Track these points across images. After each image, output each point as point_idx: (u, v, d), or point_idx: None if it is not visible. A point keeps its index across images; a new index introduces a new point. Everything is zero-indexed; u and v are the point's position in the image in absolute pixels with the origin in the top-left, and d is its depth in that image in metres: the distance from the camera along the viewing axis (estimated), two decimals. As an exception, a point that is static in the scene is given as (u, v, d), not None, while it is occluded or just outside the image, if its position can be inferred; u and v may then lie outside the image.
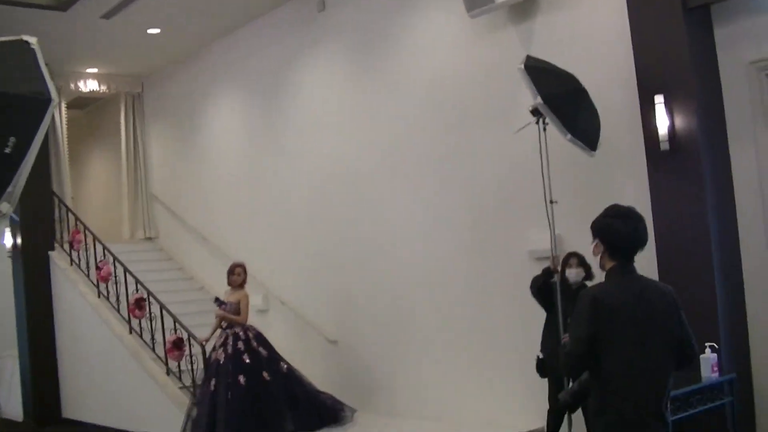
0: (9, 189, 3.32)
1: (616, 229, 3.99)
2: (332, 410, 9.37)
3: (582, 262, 6.97)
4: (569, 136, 6.61)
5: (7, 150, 3.30)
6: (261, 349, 9.37)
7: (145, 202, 13.74)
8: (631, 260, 4.02)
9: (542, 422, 8.06)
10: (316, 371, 10.10)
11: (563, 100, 6.72)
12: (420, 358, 9.31)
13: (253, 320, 9.91)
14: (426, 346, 9.23)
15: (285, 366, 9.42)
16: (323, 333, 10.41)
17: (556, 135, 6.78)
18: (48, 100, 3.38)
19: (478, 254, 8.69)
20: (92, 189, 15.59)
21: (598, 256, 4.07)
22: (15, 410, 12.92)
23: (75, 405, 12.11)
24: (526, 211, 8.12)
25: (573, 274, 6.95)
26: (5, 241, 12.79)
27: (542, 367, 7.17)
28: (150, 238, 13.64)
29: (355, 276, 10.12)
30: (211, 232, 12.53)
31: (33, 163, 3.40)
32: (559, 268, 6.99)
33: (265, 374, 9.18)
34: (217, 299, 9.56)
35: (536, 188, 7.22)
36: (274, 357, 9.45)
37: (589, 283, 6.90)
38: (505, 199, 8.45)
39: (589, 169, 7.50)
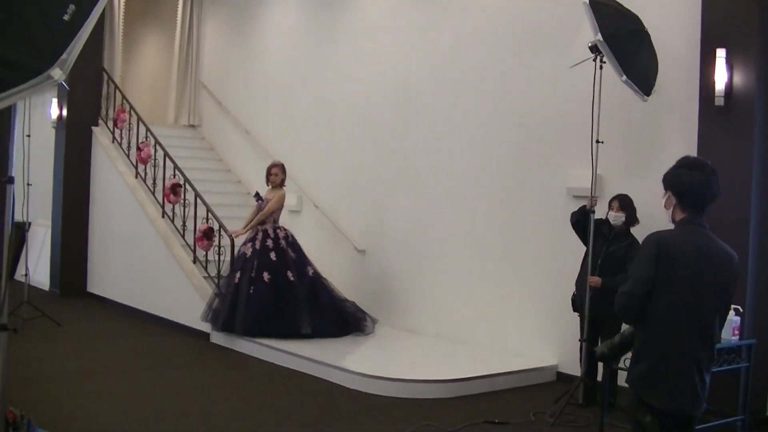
0: (63, 56, 3.40)
1: (687, 180, 3.91)
2: (354, 318, 9.60)
3: (623, 206, 7.03)
4: (625, 77, 6.62)
5: (66, 17, 3.38)
6: (289, 250, 9.59)
7: (193, 90, 13.82)
8: (701, 212, 3.95)
9: (557, 360, 8.27)
10: (342, 278, 10.35)
11: (624, 40, 6.71)
12: (446, 280, 9.47)
13: (285, 220, 10.13)
14: (454, 270, 9.38)
15: (311, 270, 9.64)
16: (352, 241, 10.56)
17: (610, 74, 6.77)
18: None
19: (517, 186, 8.77)
20: (142, 70, 15.71)
21: (670, 210, 4.01)
22: (41, 279, 13.30)
23: (99, 281, 12.45)
24: (569, 148, 8.18)
25: (613, 216, 7.04)
26: (51, 112, 12.98)
27: (574, 302, 7.35)
28: (193, 126, 13.76)
29: (391, 191, 10.23)
30: (254, 127, 12.64)
31: (89, 34, 3.48)
32: (595, 209, 7.06)
33: (289, 274, 9.41)
34: (257, 194, 9.76)
35: (582, 125, 7.26)
36: (302, 259, 9.66)
37: (631, 229, 7.05)
38: (550, 132, 8.50)
39: (639, 113, 7.51)
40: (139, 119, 11.94)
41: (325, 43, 11.44)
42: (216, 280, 9.95)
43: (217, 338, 9.50)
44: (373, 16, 10.71)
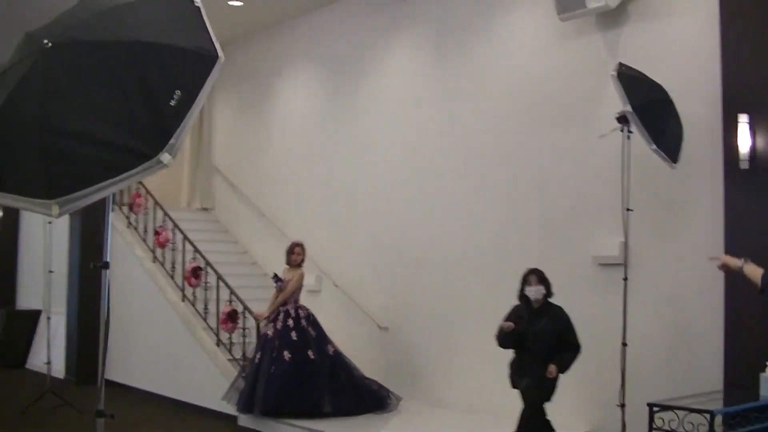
0: (172, 141, 3.58)
1: None
2: (377, 396, 9.65)
3: (542, 279, 7.31)
4: (654, 146, 6.82)
5: (173, 103, 3.57)
6: (310, 329, 9.70)
7: (206, 172, 14.06)
8: None
9: (588, 424, 8.34)
10: (364, 357, 10.40)
11: (652, 110, 6.94)
12: (473, 351, 9.54)
13: (305, 300, 10.22)
14: (481, 341, 9.37)
15: (332, 348, 9.73)
16: (374, 319, 10.67)
17: (636, 143, 7.00)
18: (215, 58, 3.66)
19: (542, 255, 8.90)
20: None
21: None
22: (57, 367, 13.33)
23: (118, 367, 12.45)
24: (595, 216, 8.37)
25: (534, 291, 7.25)
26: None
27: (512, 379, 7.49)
28: (206, 209, 13.96)
29: (413, 267, 10.39)
30: (269, 208, 12.84)
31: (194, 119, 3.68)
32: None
33: (310, 353, 9.50)
34: (275, 276, 9.89)
35: (607, 194, 7.51)
36: (322, 338, 9.76)
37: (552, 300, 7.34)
38: (575, 202, 8.70)
39: (666, 180, 7.71)
40: (156, 203, 12.14)
41: (339, 119, 11.73)
42: (241, 362, 10.03)
43: (245, 421, 9.54)
44: (393, 94, 10.98)
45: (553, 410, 8.61)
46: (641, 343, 7.66)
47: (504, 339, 7.25)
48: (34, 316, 14.99)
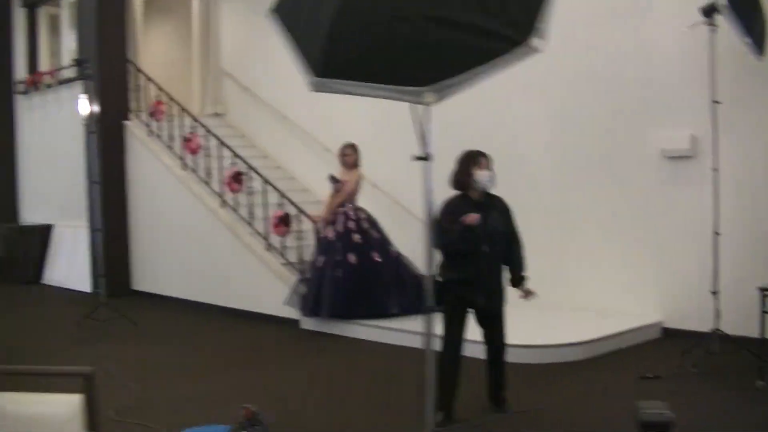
0: (540, 24, 3.67)
1: None
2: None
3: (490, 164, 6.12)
4: (747, 38, 7.07)
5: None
6: (372, 231, 9.91)
7: (215, 78, 14.00)
8: None
9: (662, 317, 8.76)
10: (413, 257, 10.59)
11: (743, 3, 7.15)
12: (540, 248, 9.75)
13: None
14: (548, 236, 9.60)
15: (394, 249, 9.97)
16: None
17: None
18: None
19: (611, 151, 9.26)
20: (159, 62, 15.73)
21: None
22: (77, 282, 13.45)
23: (147, 277, 12.63)
24: (664, 110, 8.67)
25: (487, 176, 6.05)
26: (80, 108, 13.02)
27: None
28: (218, 114, 13.93)
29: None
30: (289, 111, 12.87)
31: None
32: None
33: (375, 255, 9.74)
34: (332, 177, 9.93)
35: (677, 87, 7.70)
36: (385, 240, 9.99)
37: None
38: (645, 94, 8.94)
39: (754, 70, 7.91)
40: (183, 109, 12.16)
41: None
42: (297, 266, 10.25)
43: (308, 324, 9.82)
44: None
45: (626, 301, 9.01)
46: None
47: (462, 239, 5.88)
48: (43, 230, 14.96)
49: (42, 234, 14.93)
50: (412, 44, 3.90)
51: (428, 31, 3.86)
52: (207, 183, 11.58)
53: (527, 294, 6.20)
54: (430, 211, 4.48)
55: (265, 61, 13.22)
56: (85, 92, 12.81)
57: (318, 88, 4.22)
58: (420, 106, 4.05)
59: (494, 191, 6.16)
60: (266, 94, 13.28)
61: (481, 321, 6.17)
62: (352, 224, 9.81)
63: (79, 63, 11.04)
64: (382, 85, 3.98)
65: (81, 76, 12.85)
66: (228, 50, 14.06)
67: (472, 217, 5.81)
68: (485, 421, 6.05)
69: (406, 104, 4.08)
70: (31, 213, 16.09)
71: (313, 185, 11.93)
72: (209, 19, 13.99)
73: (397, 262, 9.86)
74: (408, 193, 10.87)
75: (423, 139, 4.18)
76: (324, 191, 10.37)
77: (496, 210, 6.08)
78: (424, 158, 4.26)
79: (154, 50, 15.09)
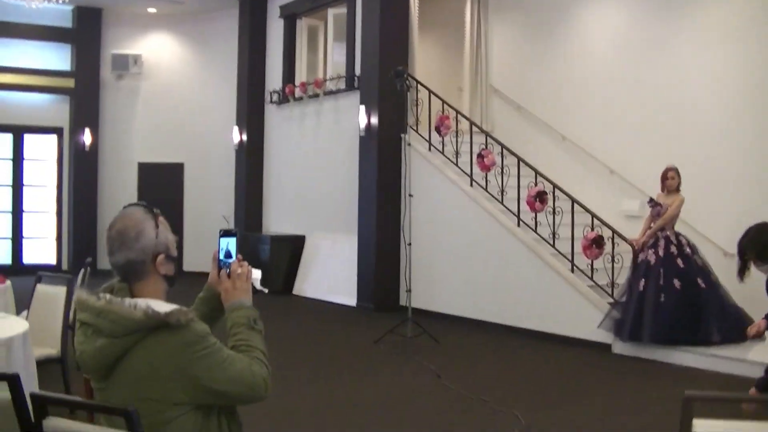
0: None
1: None
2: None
3: None
4: None
5: None
6: (695, 257, 9.74)
7: (484, 95, 14.04)
8: None
9: None
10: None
11: None
12: None
13: (621, 226, 10.54)
14: None
15: (715, 276, 9.74)
16: (720, 245, 10.58)
17: None
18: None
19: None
20: (431, 77, 15.85)
21: None
22: (344, 295, 13.60)
23: (421, 295, 12.56)
24: None
25: None
26: (360, 120, 13.23)
27: None
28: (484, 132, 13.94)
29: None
30: (568, 132, 12.87)
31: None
32: None
33: (699, 281, 9.56)
34: (651, 200, 9.92)
35: None
36: (706, 266, 9.80)
37: None
38: None
39: None
40: (473, 124, 12.18)
41: (657, 48, 11.70)
42: (608, 289, 10.13)
43: (621, 348, 9.67)
44: (719, 22, 11.01)
45: None
46: None
47: None
48: (295, 241, 15.20)
49: (293, 244, 15.15)
50: None
51: None
52: (500, 200, 11.52)
53: None
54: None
55: (540, 80, 13.21)
56: (363, 104, 13.10)
57: None
58: None
59: None
60: (539, 113, 13.25)
61: None
62: (674, 249, 9.68)
63: (397, 74, 11.01)
64: None
65: (355, 87, 13.16)
66: (497, 68, 14.07)
67: None
68: None
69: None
70: (276, 223, 16.36)
71: (592, 206, 11.64)
72: (480, 35, 14.09)
73: (717, 289, 9.65)
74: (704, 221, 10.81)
75: None
76: (610, 213, 10.66)
77: None
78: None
79: (427, 63, 15.22)
